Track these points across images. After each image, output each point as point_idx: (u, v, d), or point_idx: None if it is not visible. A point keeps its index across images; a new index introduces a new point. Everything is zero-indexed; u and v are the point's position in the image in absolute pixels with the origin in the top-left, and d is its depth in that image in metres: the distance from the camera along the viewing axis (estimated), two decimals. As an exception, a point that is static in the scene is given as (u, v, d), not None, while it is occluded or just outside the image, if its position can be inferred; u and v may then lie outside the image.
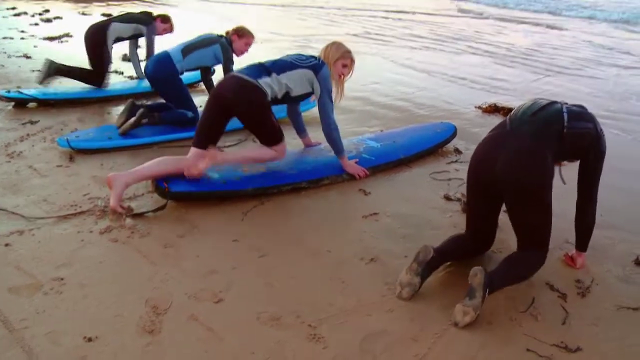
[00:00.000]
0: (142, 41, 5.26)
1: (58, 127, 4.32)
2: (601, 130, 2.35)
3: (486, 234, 2.53)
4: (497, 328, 2.15)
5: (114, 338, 2.02)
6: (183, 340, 2.03)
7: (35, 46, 7.45)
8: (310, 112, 4.55)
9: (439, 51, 8.20)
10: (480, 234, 2.51)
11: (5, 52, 6.97)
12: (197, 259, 2.56)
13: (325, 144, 3.69)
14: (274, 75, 3.18)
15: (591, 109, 2.46)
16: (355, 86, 5.25)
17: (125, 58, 5.89)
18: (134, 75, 5.62)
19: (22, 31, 8.58)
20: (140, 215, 2.94)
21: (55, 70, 4.95)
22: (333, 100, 3.35)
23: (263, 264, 2.54)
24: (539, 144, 2.24)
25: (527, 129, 2.27)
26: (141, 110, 4.01)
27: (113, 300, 2.23)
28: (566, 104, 2.36)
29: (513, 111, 2.41)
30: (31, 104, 4.83)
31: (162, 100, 4.38)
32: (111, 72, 5.28)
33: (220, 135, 3.32)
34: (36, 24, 9.32)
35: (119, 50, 5.32)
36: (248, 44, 4.40)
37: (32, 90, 4.96)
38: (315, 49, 5.73)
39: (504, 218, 2.91)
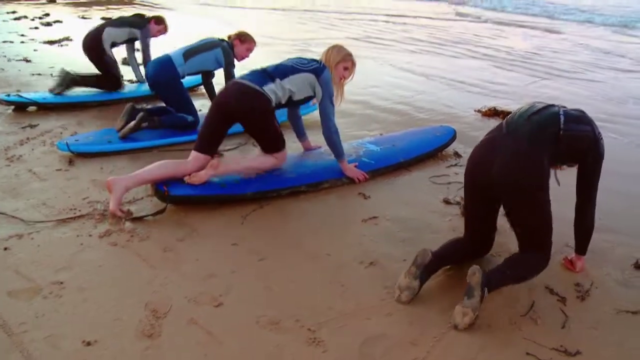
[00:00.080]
0: (138, 44, 5.26)
1: (58, 130, 4.33)
2: (599, 133, 2.36)
3: (485, 237, 2.53)
4: (496, 331, 2.15)
5: (113, 342, 2.02)
6: (182, 344, 2.03)
7: (35, 50, 7.46)
8: (310, 115, 4.56)
9: (439, 55, 8.22)
10: (478, 237, 2.52)
11: (5, 56, 6.98)
12: (196, 262, 2.56)
13: (324, 148, 3.70)
14: (277, 81, 3.20)
15: (589, 112, 2.46)
16: (355, 90, 5.26)
17: (124, 62, 5.89)
18: (134, 79, 5.63)
19: (22, 35, 8.59)
20: (139, 219, 2.94)
21: (70, 81, 4.99)
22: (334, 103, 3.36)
23: (262, 267, 2.54)
24: (535, 146, 2.24)
25: (523, 131, 2.28)
26: (141, 114, 4.01)
27: (112, 304, 2.23)
28: (564, 107, 2.37)
29: (510, 114, 2.42)
30: (31, 108, 4.83)
31: (162, 104, 4.39)
32: (121, 73, 5.29)
33: (222, 140, 3.34)
34: (36, 28, 9.34)
35: (117, 54, 5.31)
36: (250, 49, 4.41)
37: (32, 94, 4.97)
38: (315, 53, 5.75)
39: (503, 222, 2.91)
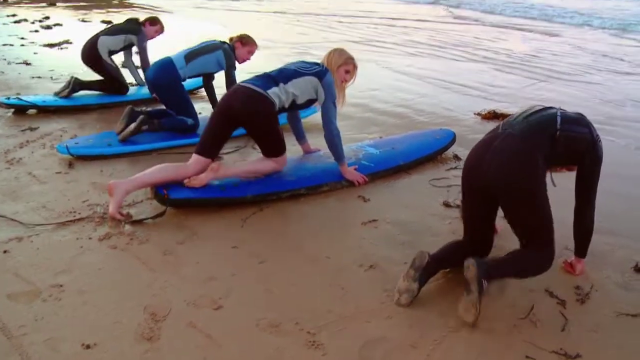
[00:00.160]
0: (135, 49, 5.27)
1: (57, 133, 4.33)
2: (597, 136, 2.37)
3: (483, 240, 2.53)
4: (496, 334, 2.15)
5: (113, 345, 2.01)
6: (182, 347, 2.02)
7: (35, 53, 7.48)
8: (310, 118, 4.57)
9: (439, 57, 8.24)
10: (477, 239, 2.52)
11: (5, 59, 7.00)
12: (196, 265, 2.56)
13: (324, 151, 3.70)
14: (281, 85, 3.21)
15: (588, 114, 2.47)
16: (355, 92, 5.27)
17: (124, 65, 5.90)
18: (134, 82, 5.64)
19: (22, 38, 8.61)
20: (139, 222, 2.94)
21: (78, 86, 5.01)
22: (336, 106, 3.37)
23: (262, 270, 2.54)
24: (529, 144, 2.26)
25: (518, 131, 2.29)
26: (141, 116, 4.01)
27: (112, 307, 2.23)
28: (562, 109, 2.38)
29: (508, 117, 2.43)
30: (31, 111, 4.84)
31: (162, 107, 4.39)
32: (124, 78, 5.31)
33: (224, 144, 3.35)
34: (36, 31, 9.36)
35: (116, 59, 5.33)
36: (251, 52, 4.41)
37: (32, 96, 4.97)
38: (314, 56, 5.76)
39: (502, 223, 2.91)
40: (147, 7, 13.76)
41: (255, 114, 3.18)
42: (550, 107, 2.40)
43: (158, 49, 5.21)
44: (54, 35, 8.85)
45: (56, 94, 5.00)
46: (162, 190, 3.04)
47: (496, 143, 2.31)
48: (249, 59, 4.43)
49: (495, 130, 2.40)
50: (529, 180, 2.24)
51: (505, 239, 2.71)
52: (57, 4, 13.57)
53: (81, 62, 5.21)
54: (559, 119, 2.30)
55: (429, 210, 3.20)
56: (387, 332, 2.13)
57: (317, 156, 3.77)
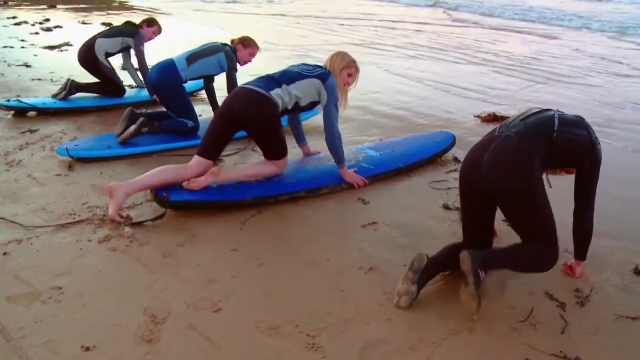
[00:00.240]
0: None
1: (57, 135, 4.34)
2: (596, 138, 2.37)
3: (482, 242, 2.53)
4: (495, 337, 2.15)
5: (112, 347, 2.01)
6: (181, 349, 2.02)
7: (35, 55, 7.48)
8: (310, 121, 4.57)
9: (439, 60, 8.24)
10: (476, 241, 2.51)
11: (5, 61, 7.00)
12: (196, 268, 2.56)
13: (323, 153, 3.70)
14: (284, 86, 3.21)
15: (588, 117, 2.48)
16: (355, 95, 5.25)
17: (123, 68, 5.90)
18: (133, 84, 5.64)
19: (23, 40, 8.61)
20: (139, 224, 2.94)
21: (75, 88, 5.01)
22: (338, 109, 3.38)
23: (262, 273, 2.54)
24: (525, 145, 2.26)
25: (515, 133, 2.30)
26: (141, 118, 4.01)
27: (111, 309, 2.23)
28: (561, 112, 2.39)
29: (505, 119, 2.45)
30: (31, 113, 4.84)
31: (162, 109, 4.40)
32: (122, 80, 5.31)
33: (225, 146, 3.36)
34: (36, 33, 9.36)
35: (114, 61, 5.33)
36: (252, 54, 4.42)
37: (32, 99, 4.97)
38: (314, 59, 5.77)
39: (503, 227, 2.91)
40: (147, 9, 13.77)
41: (258, 116, 3.18)
42: (548, 109, 2.41)
43: (157, 50, 5.21)
44: (54, 38, 8.86)
45: (53, 96, 5.00)
46: (161, 193, 3.04)
47: (493, 145, 2.32)
48: (250, 61, 4.44)
49: (493, 133, 2.42)
50: (525, 180, 2.24)
51: (505, 241, 2.71)
52: (58, 6, 13.58)
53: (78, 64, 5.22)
54: (556, 121, 2.31)
55: (429, 212, 3.21)
56: (387, 335, 2.13)
57: (317, 159, 3.77)
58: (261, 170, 3.34)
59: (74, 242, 2.74)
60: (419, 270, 2.30)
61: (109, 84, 5.16)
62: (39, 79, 6.15)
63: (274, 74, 3.32)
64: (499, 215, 2.50)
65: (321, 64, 3.44)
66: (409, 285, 2.29)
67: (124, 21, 5.39)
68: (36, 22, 10.50)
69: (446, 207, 3.26)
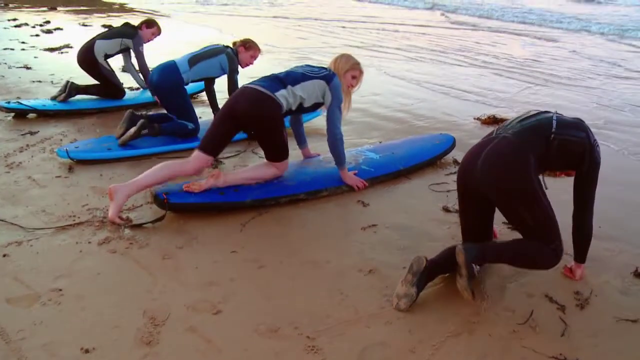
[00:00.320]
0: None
1: (57, 137, 4.34)
2: (595, 140, 2.37)
3: (482, 239, 2.53)
4: (495, 340, 2.15)
5: (112, 349, 2.01)
6: (181, 351, 2.02)
7: (35, 57, 7.49)
8: (311, 123, 4.57)
9: (439, 62, 8.25)
10: (476, 238, 2.52)
11: (5, 63, 7.01)
12: (195, 270, 2.56)
13: (324, 156, 3.70)
14: (289, 87, 3.21)
15: (586, 118, 2.48)
16: (355, 97, 5.22)
17: (124, 69, 5.91)
18: (134, 86, 5.65)
19: (23, 42, 8.62)
20: (139, 226, 2.94)
21: (74, 90, 5.01)
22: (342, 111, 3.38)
23: (262, 275, 2.54)
24: (522, 146, 2.28)
25: (512, 134, 2.32)
26: (141, 120, 4.02)
27: (111, 311, 2.23)
28: (559, 114, 2.39)
29: (503, 122, 2.46)
30: (31, 115, 4.85)
31: (163, 111, 4.40)
32: (121, 83, 5.31)
33: (226, 144, 3.34)
34: (37, 35, 9.38)
35: (114, 63, 5.33)
36: (254, 57, 4.42)
37: (32, 101, 4.98)
38: (315, 61, 5.77)
39: (504, 229, 2.91)
40: (147, 11, 13.79)
41: (262, 116, 3.18)
42: (546, 111, 2.41)
43: (157, 51, 5.21)
44: (54, 40, 8.87)
45: (53, 98, 5.01)
46: (161, 195, 3.04)
47: (490, 146, 2.33)
48: (251, 63, 4.44)
49: (490, 135, 2.44)
50: (521, 179, 2.25)
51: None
52: (58, 8, 13.60)
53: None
54: (554, 122, 2.32)
55: (429, 215, 3.21)
56: (387, 337, 2.13)
57: (317, 161, 3.77)
58: (262, 173, 3.34)
59: (74, 244, 2.74)
60: (418, 273, 2.30)
61: (108, 86, 5.17)
62: (39, 81, 6.15)
63: (279, 74, 3.31)
64: (498, 217, 2.51)
65: (325, 66, 3.44)
66: (409, 287, 2.29)
67: (123, 23, 5.40)
68: (37, 24, 10.52)
69: (446, 210, 3.26)
